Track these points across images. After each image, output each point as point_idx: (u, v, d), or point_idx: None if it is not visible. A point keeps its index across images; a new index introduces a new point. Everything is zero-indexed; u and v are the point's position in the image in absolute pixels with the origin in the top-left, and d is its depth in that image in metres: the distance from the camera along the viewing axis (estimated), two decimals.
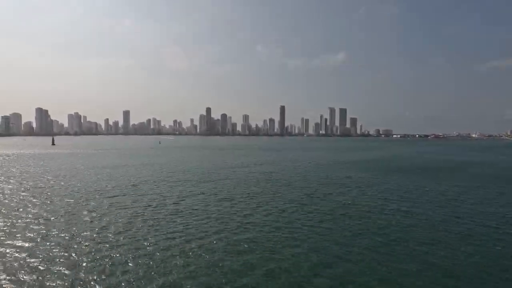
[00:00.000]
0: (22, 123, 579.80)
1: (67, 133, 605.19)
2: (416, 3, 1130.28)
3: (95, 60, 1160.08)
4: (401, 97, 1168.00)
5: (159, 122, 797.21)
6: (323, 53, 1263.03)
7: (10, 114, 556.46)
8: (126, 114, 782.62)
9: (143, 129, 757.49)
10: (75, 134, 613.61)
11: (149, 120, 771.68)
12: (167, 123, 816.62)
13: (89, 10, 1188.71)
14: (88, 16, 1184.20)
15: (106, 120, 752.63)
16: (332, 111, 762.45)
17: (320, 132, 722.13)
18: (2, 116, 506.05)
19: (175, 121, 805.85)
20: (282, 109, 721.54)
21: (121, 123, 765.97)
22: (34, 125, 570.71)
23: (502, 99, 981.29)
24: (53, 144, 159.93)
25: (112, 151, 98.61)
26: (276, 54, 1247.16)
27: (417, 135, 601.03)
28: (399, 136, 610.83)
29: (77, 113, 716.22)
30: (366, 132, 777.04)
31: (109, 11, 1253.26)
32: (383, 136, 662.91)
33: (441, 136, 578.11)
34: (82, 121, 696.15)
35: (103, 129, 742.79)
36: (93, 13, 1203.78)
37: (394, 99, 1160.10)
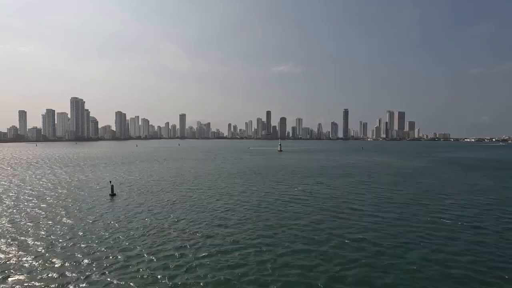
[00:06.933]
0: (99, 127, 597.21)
1: (139, 137, 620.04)
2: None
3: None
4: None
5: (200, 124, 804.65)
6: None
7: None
8: (182, 117, 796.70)
9: (201, 133, 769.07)
10: (145, 138, 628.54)
11: (208, 124, 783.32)
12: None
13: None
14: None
15: (167, 124, 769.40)
16: (391, 114, 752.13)
17: (382, 135, 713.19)
18: (90, 119, 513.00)
19: (229, 125, 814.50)
20: (346, 113, 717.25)
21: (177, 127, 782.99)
22: (114, 128, 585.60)
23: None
24: (280, 150, 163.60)
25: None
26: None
27: (493, 139, 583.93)
28: (473, 140, 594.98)
29: (138, 116, 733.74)
30: (425, 136, 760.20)
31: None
32: (452, 140, 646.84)
33: None
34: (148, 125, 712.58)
35: (163, 133, 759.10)
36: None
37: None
